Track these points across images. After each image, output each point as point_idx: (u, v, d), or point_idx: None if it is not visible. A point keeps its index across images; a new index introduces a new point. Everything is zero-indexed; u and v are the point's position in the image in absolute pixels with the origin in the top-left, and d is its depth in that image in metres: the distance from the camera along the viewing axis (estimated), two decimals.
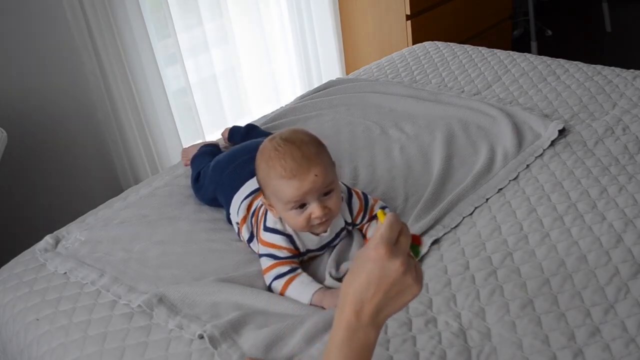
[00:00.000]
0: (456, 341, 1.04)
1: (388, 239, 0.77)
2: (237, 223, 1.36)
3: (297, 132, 1.20)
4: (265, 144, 1.19)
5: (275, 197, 1.17)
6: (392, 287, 0.76)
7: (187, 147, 1.82)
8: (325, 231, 1.24)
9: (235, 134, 1.77)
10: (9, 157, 1.99)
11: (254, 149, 1.48)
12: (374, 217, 1.32)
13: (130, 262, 1.34)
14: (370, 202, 1.33)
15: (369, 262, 0.76)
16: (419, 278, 0.78)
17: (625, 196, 1.33)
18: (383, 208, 1.34)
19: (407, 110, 1.84)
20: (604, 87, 1.84)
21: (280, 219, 1.24)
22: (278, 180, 1.14)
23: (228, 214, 1.42)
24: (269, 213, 1.25)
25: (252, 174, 1.40)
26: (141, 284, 1.27)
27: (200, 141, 1.88)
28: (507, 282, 1.14)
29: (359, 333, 0.78)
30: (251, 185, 1.38)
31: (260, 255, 1.25)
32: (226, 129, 1.81)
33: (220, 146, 1.74)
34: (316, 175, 1.14)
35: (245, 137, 1.72)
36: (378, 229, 0.79)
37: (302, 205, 1.17)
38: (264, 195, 1.22)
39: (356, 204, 1.30)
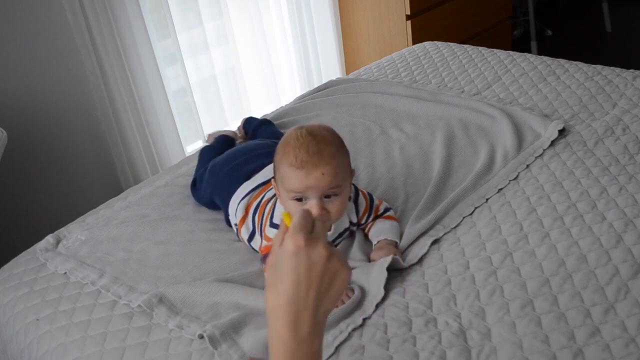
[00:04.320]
0: (456, 341, 1.04)
1: (303, 227, 0.70)
2: (236, 224, 1.36)
3: (323, 128, 1.20)
4: (292, 131, 1.19)
5: (281, 182, 1.18)
6: (322, 278, 0.69)
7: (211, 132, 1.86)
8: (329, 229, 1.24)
9: (249, 124, 1.80)
10: (9, 157, 1.99)
11: (248, 151, 1.50)
12: (378, 217, 1.32)
13: (130, 262, 1.34)
14: (375, 202, 1.34)
15: (289, 259, 0.69)
16: (344, 261, 0.72)
17: (625, 196, 1.33)
18: (387, 209, 1.34)
19: (407, 110, 1.84)
20: (604, 87, 1.84)
21: None
22: (287, 167, 1.15)
23: (226, 216, 1.42)
24: (276, 209, 1.25)
25: (246, 176, 1.41)
26: (141, 284, 1.27)
27: (222, 130, 1.87)
28: (507, 282, 1.14)
29: (301, 348, 0.69)
30: (247, 186, 1.38)
31: None
32: (243, 120, 1.85)
33: (236, 139, 1.78)
34: (323, 174, 1.13)
35: (255, 130, 1.75)
36: (280, 232, 0.73)
37: (303, 199, 1.17)
38: (274, 178, 1.23)
39: (362, 203, 1.31)
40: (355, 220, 1.30)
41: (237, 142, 1.79)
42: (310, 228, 0.72)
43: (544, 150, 1.55)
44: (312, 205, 1.15)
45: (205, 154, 1.65)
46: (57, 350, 1.17)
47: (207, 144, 1.77)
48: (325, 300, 0.71)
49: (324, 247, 0.70)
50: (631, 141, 1.54)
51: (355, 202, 1.30)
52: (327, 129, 1.20)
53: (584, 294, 1.09)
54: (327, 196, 1.16)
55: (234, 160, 1.48)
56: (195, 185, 1.55)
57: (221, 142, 1.72)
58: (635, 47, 3.62)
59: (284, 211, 0.78)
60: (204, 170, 1.54)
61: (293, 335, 0.69)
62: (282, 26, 2.87)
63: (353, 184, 1.32)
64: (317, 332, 0.71)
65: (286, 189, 1.16)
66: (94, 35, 2.16)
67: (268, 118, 1.89)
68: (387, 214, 1.33)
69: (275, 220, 1.25)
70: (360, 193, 1.32)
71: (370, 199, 1.33)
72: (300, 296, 0.69)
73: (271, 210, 1.27)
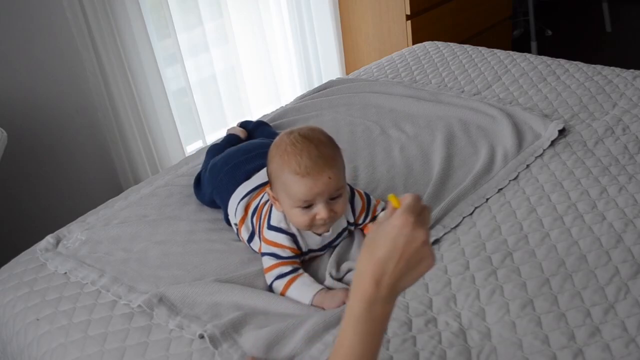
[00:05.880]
0: (456, 341, 1.04)
1: (413, 209, 0.77)
2: (236, 224, 1.36)
3: (315, 131, 1.18)
4: (283, 137, 1.17)
5: (284, 192, 1.16)
6: (414, 255, 0.76)
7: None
8: (327, 231, 1.24)
9: (245, 128, 1.78)
10: (9, 157, 1.99)
11: (249, 150, 1.50)
12: (376, 217, 1.32)
13: (130, 262, 1.34)
14: (373, 202, 1.33)
15: (394, 229, 0.76)
16: (434, 253, 0.78)
17: (625, 196, 1.33)
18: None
19: (407, 110, 1.84)
20: (604, 87, 1.84)
21: (285, 217, 1.24)
22: (291, 175, 1.13)
23: (226, 216, 1.42)
24: (273, 211, 1.25)
25: (246, 175, 1.41)
26: (141, 284, 1.27)
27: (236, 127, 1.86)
28: (507, 282, 1.14)
29: (376, 306, 0.77)
30: (247, 186, 1.38)
31: (263, 254, 1.25)
32: (238, 123, 1.82)
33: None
34: (330, 178, 1.13)
35: (253, 131, 1.74)
36: (388, 212, 0.79)
37: (309, 205, 1.16)
38: (271, 187, 1.22)
39: (359, 203, 1.30)
40: (352, 220, 1.30)
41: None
42: (419, 212, 0.78)
43: (544, 150, 1.55)
44: (321, 210, 1.15)
45: (211, 152, 1.64)
46: (57, 350, 1.17)
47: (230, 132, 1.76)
48: (407, 276, 0.77)
49: (425, 232, 0.76)
50: (631, 141, 1.54)
51: (352, 202, 1.29)
52: (318, 130, 1.19)
53: (584, 294, 1.09)
54: (332, 198, 1.16)
55: (234, 159, 1.48)
56: (199, 183, 1.55)
57: (228, 142, 1.71)
58: (635, 47, 3.62)
59: (390, 194, 0.83)
60: (204, 169, 1.54)
61: (375, 291, 0.76)
62: (282, 26, 2.87)
63: (349, 184, 1.32)
64: (389, 300, 0.78)
65: (293, 198, 1.15)
66: (94, 35, 2.16)
67: (268, 118, 1.89)
68: None
69: (273, 223, 1.24)
70: (356, 193, 1.31)
71: (367, 199, 1.32)
72: (391, 262, 0.76)
73: (268, 212, 1.27)
